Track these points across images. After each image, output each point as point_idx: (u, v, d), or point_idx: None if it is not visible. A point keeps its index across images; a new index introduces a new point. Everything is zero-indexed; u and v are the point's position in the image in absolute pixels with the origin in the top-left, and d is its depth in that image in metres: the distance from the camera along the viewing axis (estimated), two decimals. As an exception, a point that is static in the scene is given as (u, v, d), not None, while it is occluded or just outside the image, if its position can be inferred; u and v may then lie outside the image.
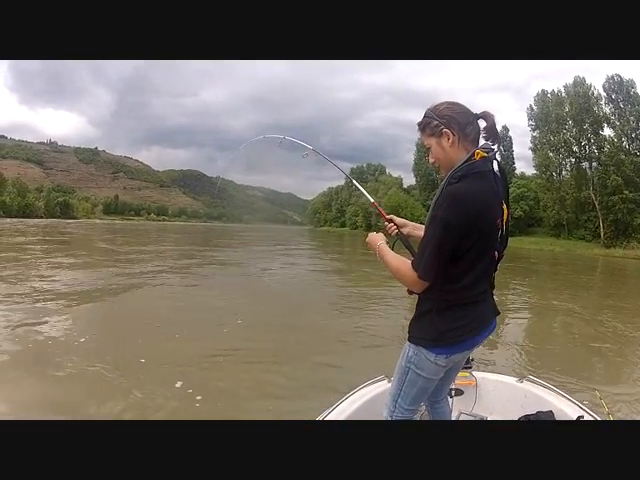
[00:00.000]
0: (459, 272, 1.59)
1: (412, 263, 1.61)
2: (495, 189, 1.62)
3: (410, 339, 1.72)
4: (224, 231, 62.75)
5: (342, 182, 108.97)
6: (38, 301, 7.14)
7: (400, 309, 7.81)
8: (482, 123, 1.66)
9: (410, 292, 1.68)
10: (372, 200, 2.20)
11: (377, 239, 1.81)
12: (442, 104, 1.67)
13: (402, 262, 1.66)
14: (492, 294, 1.79)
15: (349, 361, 4.81)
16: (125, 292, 8.69)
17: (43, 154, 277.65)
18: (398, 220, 1.98)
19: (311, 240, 42.15)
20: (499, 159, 1.69)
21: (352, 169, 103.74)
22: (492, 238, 1.64)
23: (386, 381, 2.30)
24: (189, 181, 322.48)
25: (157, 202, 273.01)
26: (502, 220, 1.65)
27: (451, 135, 1.62)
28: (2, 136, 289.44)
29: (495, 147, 1.65)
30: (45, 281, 9.28)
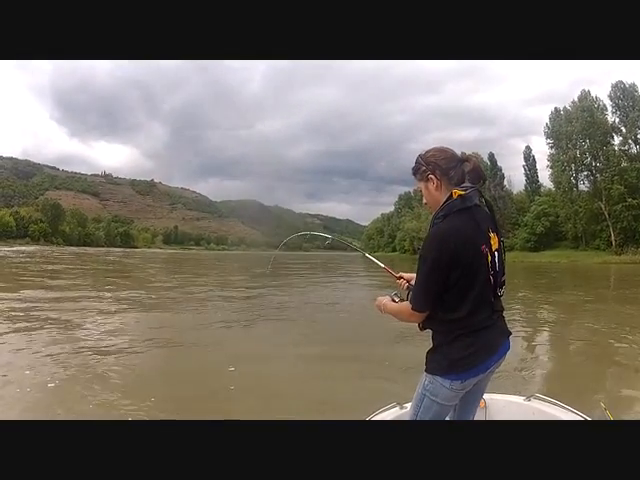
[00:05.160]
0: (455, 302, 1.80)
1: (409, 299, 1.97)
2: (477, 221, 1.83)
3: (426, 369, 1.92)
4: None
5: (393, 208, 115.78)
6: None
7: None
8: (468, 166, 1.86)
9: (420, 328, 1.97)
10: (382, 266, 2.53)
11: (381, 299, 2.10)
12: (430, 151, 1.93)
13: (401, 304, 2.01)
14: (502, 316, 1.98)
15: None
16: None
17: (98, 186, 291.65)
18: (406, 275, 2.25)
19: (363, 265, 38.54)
20: (482, 193, 1.90)
21: (400, 195, 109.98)
22: (481, 264, 1.81)
23: (397, 408, 2.44)
24: (247, 211, 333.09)
25: (216, 232, 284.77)
26: (489, 246, 1.84)
27: (435, 180, 1.87)
28: (53, 167, 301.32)
29: (477, 185, 1.86)
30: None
